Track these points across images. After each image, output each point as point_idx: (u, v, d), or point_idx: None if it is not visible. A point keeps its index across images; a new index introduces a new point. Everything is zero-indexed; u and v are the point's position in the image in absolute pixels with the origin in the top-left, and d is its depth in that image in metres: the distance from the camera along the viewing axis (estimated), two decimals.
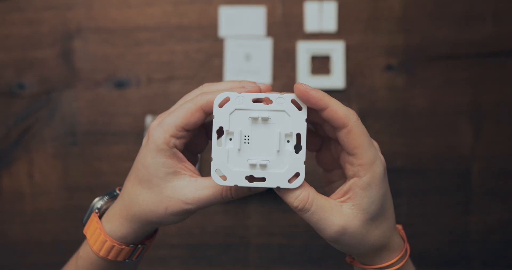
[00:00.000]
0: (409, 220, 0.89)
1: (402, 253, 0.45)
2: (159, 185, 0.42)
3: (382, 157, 0.42)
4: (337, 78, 0.90)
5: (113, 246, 0.45)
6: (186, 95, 0.45)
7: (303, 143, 0.40)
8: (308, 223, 0.42)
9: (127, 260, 0.47)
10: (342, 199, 0.42)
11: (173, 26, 0.91)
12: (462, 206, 0.89)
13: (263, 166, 0.38)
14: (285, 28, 0.91)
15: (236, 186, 0.39)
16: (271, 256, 0.89)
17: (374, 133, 0.89)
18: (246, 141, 0.38)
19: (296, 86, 0.39)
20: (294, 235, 0.89)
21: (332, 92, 0.90)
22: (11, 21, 0.91)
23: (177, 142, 0.42)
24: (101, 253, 0.46)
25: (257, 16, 0.91)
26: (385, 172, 0.42)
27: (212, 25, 0.91)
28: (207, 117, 0.42)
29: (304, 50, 0.90)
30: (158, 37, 0.91)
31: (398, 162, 0.89)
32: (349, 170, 0.41)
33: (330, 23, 0.90)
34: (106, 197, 0.49)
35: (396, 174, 0.89)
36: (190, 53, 0.91)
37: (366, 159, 0.40)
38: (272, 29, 0.91)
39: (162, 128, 0.42)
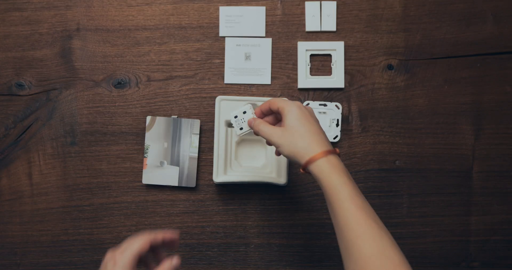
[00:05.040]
0: (409, 220, 0.89)
1: (322, 153, 0.66)
2: None
3: (296, 101, 0.70)
4: (337, 78, 0.90)
5: None
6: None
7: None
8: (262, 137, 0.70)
9: None
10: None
11: (173, 26, 0.91)
12: (463, 206, 0.89)
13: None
14: (285, 28, 0.91)
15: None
16: (271, 256, 0.89)
17: (374, 133, 0.89)
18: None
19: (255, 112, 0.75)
20: (294, 235, 0.89)
21: (332, 92, 0.90)
22: (10, 21, 0.91)
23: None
24: None
25: (257, 16, 0.91)
26: (300, 109, 0.69)
27: (212, 25, 0.91)
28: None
29: (304, 50, 0.90)
30: (158, 37, 0.91)
31: (398, 162, 0.89)
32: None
33: (330, 23, 0.90)
34: None
35: (396, 174, 0.89)
36: (190, 53, 0.91)
37: (281, 105, 0.70)
38: (272, 29, 0.91)
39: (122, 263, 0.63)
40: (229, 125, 0.87)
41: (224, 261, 0.89)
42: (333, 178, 0.64)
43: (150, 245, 0.65)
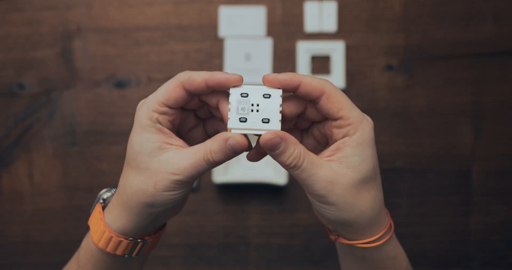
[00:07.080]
0: (409, 220, 0.89)
1: (387, 228, 0.44)
2: (145, 161, 0.41)
3: (368, 117, 0.42)
4: (337, 78, 0.90)
5: (111, 237, 0.44)
6: None
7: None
8: (297, 180, 0.41)
9: (126, 256, 0.46)
10: (331, 157, 0.41)
11: (173, 26, 0.91)
12: (462, 206, 0.89)
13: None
14: (285, 28, 0.91)
15: (215, 149, 0.41)
16: (271, 256, 0.89)
17: (374, 133, 0.89)
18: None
19: (264, 78, 0.41)
20: (294, 235, 0.89)
21: None
22: (10, 21, 0.91)
23: (160, 117, 0.42)
24: (100, 244, 0.45)
25: (257, 16, 0.91)
26: (373, 133, 0.42)
27: (212, 25, 0.91)
28: (188, 95, 0.42)
29: (304, 50, 0.90)
30: (158, 37, 0.91)
31: (398, 162, 0.89)
32: (338, 134, 0.41)
33: (330, 23, 0.90)
34: (114, 190, 0.48)
35: (396, 174, 0.89)
36: (190, 53, 0.91)
37: (353, 118, 0.40)
38: (272, 29, 0.91)
39: (145, 105, 0.42)
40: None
41: (224, 261, 0.89)
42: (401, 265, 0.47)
43: (188, 93, 0.42)
